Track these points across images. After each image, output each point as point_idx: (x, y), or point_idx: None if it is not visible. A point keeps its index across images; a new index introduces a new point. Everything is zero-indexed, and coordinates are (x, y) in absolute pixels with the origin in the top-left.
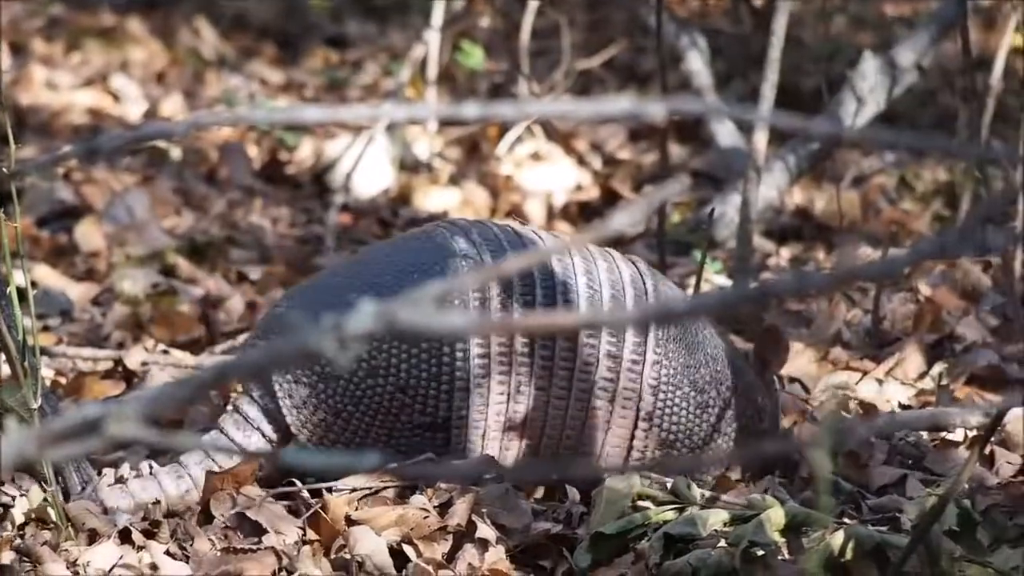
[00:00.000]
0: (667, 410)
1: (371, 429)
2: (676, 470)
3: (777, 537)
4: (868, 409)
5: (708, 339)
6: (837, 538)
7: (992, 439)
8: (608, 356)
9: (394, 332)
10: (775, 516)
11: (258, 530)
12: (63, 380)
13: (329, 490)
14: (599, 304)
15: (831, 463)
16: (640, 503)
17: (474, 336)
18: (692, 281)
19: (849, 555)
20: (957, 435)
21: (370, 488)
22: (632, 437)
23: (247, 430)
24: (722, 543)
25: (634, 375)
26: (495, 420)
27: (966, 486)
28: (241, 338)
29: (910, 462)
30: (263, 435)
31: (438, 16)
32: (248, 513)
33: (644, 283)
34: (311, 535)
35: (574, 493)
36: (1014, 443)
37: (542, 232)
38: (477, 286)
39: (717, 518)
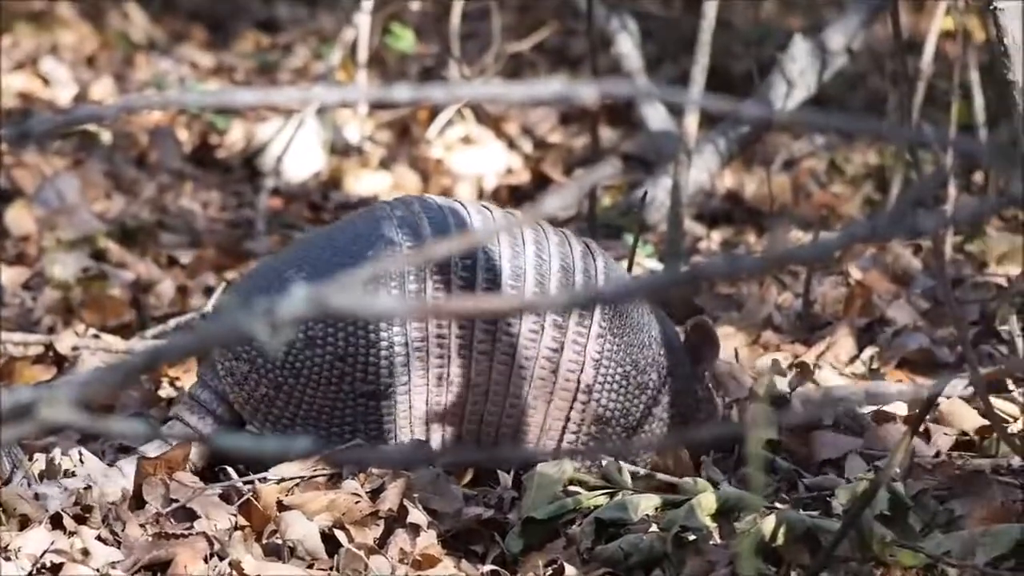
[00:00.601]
0: (607, 385)
1: (314, 400)
2: (608, 453)
3: (709, 522)
4: (803, 369)
5: (651, 322)
6: (768, 523)
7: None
8: (554, 326)
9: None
10: (706, 501)
11: (190, 516)
12: None
13: (263, 480)
14: (545, 278)
15: (772, 436)
16: (571, 488)
17: (408, 316)
18: (624, 265)
19: (781, 540)
20: (896, 408)
21: (301, 477)
22: (570, 410)
23: (201, 414)
24: (654, 528)
25: (578, 347)
26: (436, 390)
27: (898, 469)
28: (172, 322)
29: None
30: (216, 418)
31: None
32: (180, 499)
33: (595, 261)
34: (242, 521)
35: (505, 478)
36: (947, 424)
37: (490, 206)
38: (411, 267)
39: (649, 503)
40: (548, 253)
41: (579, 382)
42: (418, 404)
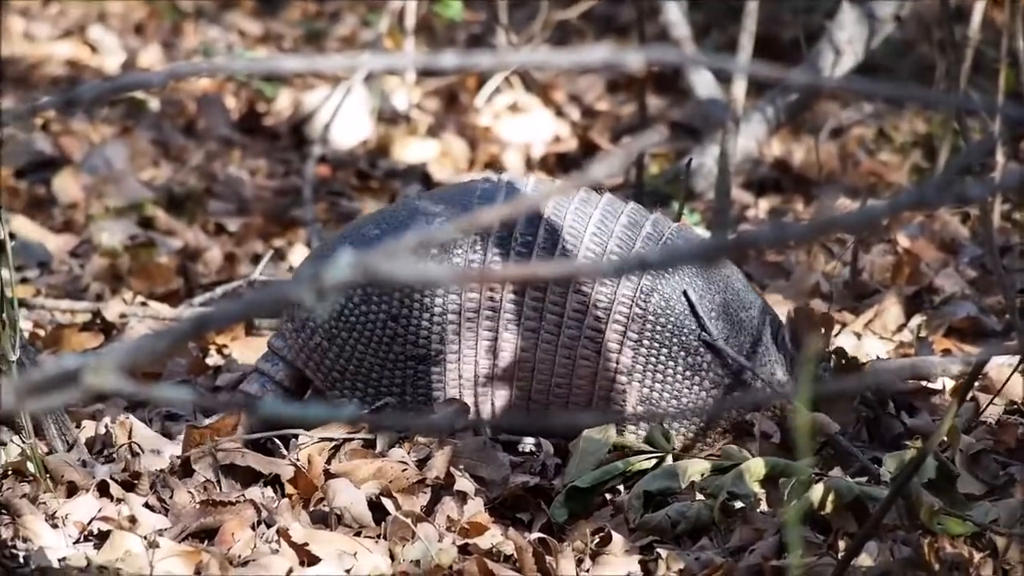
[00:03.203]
0: (648, 366)
1: (364, 357)
2: (657, 419)
3: (756, 488)
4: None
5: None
6: (817, 490)
7: (975, 388)
8: (596, 306)
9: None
10: (755, 467)
11: (238, 483)
12: (42, 332)
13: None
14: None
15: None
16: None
17: (452, 282)
18: None
19: (829, 508)
20: (938, 385)
21: (341, 439)
22: (611, 391)
23: (264, 381)
24: (700, 496)
25: (619, 327)
26: (484, 360)
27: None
28: (219, 289)
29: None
30: (278, 384)
31: None
32: (231, 462)
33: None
34: (290, 488)
35: (548, 446)
36: (1000, 392)
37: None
38: (459, 236)
39: (696, 468)
40: (614, 223)
41: (618, 363)
42: (467, 372)
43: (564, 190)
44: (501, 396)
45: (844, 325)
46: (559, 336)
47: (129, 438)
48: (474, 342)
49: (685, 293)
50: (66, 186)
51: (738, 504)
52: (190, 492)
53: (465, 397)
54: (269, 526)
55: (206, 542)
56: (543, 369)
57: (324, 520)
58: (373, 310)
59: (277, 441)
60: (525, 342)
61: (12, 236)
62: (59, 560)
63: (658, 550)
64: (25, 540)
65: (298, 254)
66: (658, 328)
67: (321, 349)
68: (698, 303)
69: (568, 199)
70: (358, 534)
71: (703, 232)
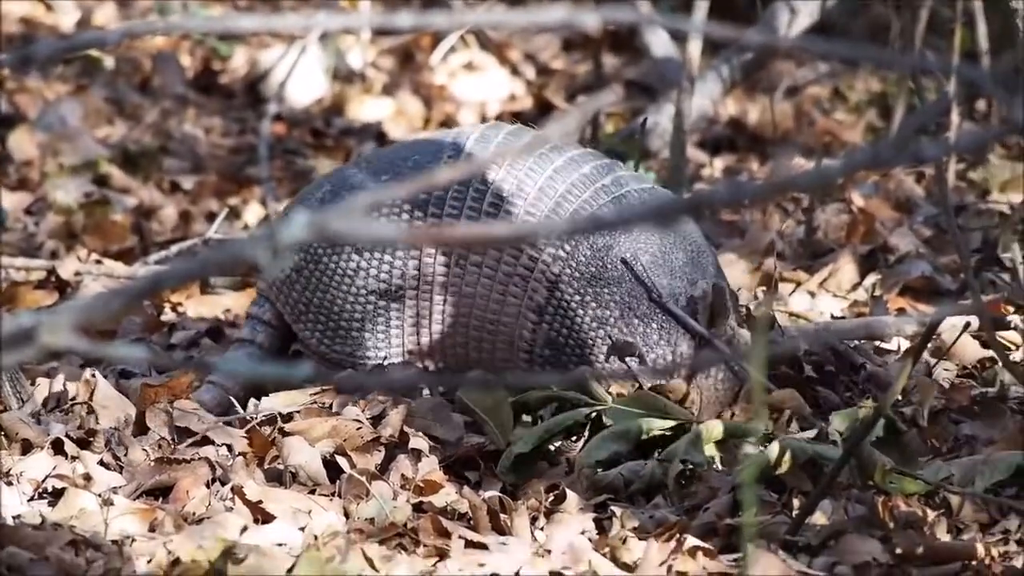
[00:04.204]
0: (559, 309)
1: (328, 290)
2: (617, 378)
3: (712, 451)
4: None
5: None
6: (772, 450)
7: (927, 349)
8: (532, 246)
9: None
10: (712, 429)
11: (193, 442)
12: None
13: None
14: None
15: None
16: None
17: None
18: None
19: (784, 467)
20: (892, 344)
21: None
22: (522, 328)
23: (254, 324)
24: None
25: (544, 268)
26: (438, 297)
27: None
28: (174, 248)
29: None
30: (267, 324)
31: None
32: (183, 423)
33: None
34: (244, 446)
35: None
36: (950, 352)
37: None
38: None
39: (656, 426)
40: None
41: (532, 300)
42: (423, 310)
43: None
44: (449, 335)
45: (799, 284)
46: (497, 271)
47: (90, 397)
48: (430, 279)
49: (624, 260)
50: (21, 144)
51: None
52: (145, 450)
53: (420, 336)
54: (224, 484)
55: (161, 500)
56: (480, 304)
57: (278, 478)
58: (332, 247)
59: (235, 404)
60: (470, 277)
61: None
62: (13, 518)
63: (612, 508)
64: None
65: (253, 212)
66: (576, 274)
67: (289, 281)
68: (647, 264)
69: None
70: (312, 492)
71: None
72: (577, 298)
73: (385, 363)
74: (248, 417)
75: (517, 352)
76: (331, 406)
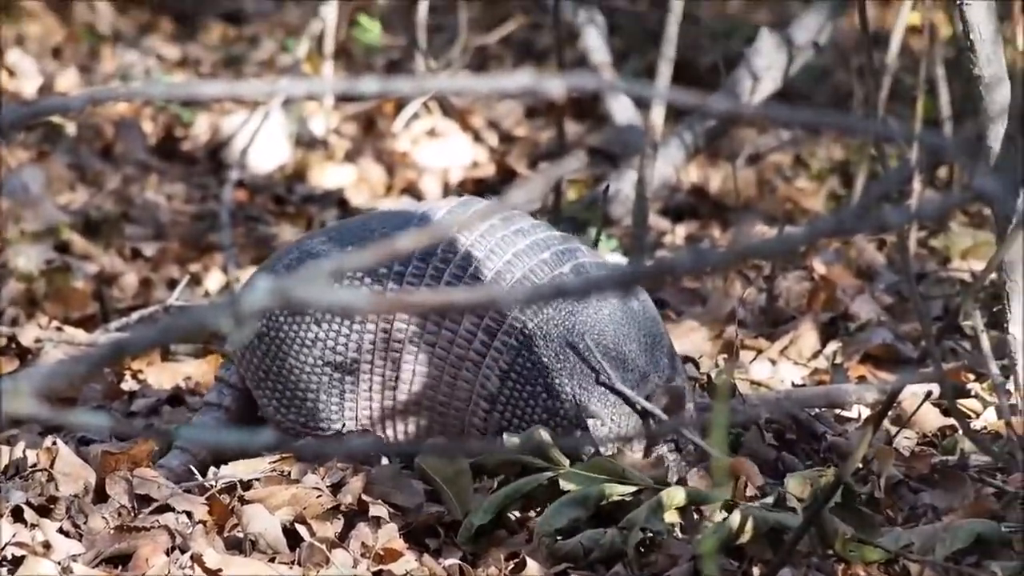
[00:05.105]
0: (511, 400)
1: (285, 361)
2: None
3: (673, 518)
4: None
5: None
6: (734, 519)
7: (888, 417)
8: (485, 331)
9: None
10: (674, 495)
11: (153, 510)
12: None
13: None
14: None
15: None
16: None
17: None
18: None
19: (746, 537)
20: (853, 412)
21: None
22: (473, 415)
23: (213, 399)
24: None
25: (496, 355)
26: (391, 373)
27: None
28: (135, 315)
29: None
30: (225, 410)
31: None
32: (144, 491)
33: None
34: (204, 514)
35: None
36: (911, 421)
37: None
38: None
39: (616, 491)
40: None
41: (484, 388)
42: (376, 384)
43: (484, 215)
44: (402, 413)
45: (760, 351)
46: (449, 353)
47: (51, 465)
48: (385, 354)
49: (571, 344)
50: None
51: (651, 534)
52: (104, 518)
53: (374, 410)
54: (183, 552)
55: (120, 568)
56: (431, 386)
57: (238, 546)
58: (293, 314)
59: (196, 472)
60: (423, 355)
61: None
62: None
63: None
64: None
65: (214, 279)
66: (528, 364)
67: (251, 347)
68: (594, 347)
69: (492, 225)
70: (272, 560)
71: (620, 260)
72: (529, 388)
73: (344, 430)
74: (207, 485)
75: (468, 434)
76: (290, 474)
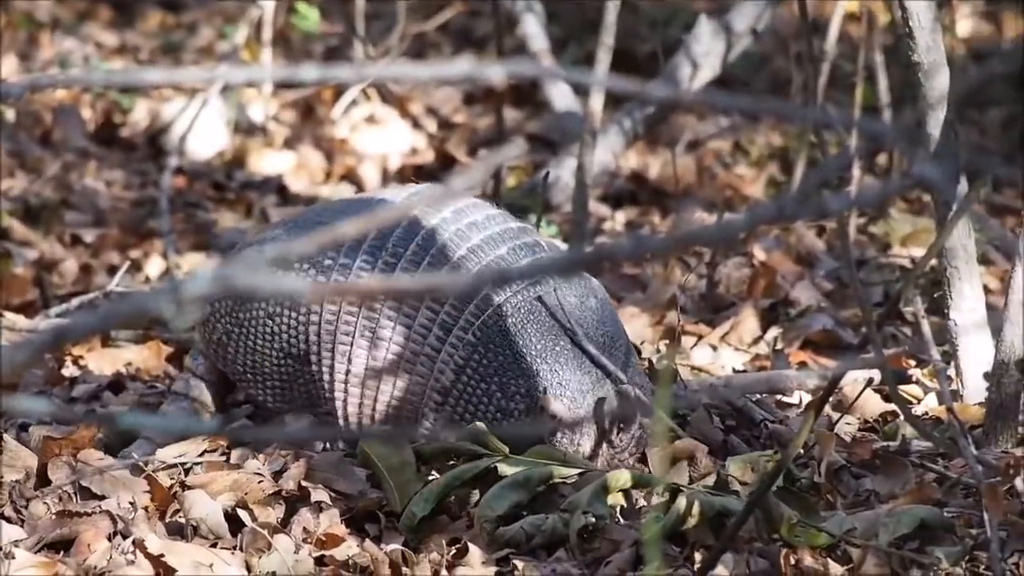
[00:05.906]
0: (464, 395)
1: (254, 352)
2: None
3: (617, 500)
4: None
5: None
6: (680, 504)
7: (829, 402)
8: (440, 326)
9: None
10: (619, 478)
11: (94, 495)
12: None
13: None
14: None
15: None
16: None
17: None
18: None
19: (692, 522)
20: (794, 398)
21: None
22: (425, 406)
23: (189, 376)
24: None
25: (452, 350)
26: (340, 366)
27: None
28: (75, 301)
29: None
30: (203, 379)
31: None
32: (84, 480)
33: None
34: (146, 500)
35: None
36: (852, 407)
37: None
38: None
39: (559, 473)
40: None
41: (439, 382)
42: (339, 374)
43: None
44: (354, 401)
45: (700, 337)
46: (405, 349)
47: None
48: (348, 345)
49: (540, 298)
50: None
51: (593, 518)
52: (46, 503)
53: (337, 398)
54: (125, 537)
55: (62, 553)
56: (386, 379)
57: (180, 531)
58: (254, 307)
59: (136, 456)
60: (376, 351)
61: None
62: None
63: (514, 562)
64: None
65: (154, 265)
66: (484, 362)
67: (222, 344)
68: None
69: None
70: (214, 545)
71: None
72: (483, 386)
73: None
74: (141, 464)
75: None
76: (228, 458)
